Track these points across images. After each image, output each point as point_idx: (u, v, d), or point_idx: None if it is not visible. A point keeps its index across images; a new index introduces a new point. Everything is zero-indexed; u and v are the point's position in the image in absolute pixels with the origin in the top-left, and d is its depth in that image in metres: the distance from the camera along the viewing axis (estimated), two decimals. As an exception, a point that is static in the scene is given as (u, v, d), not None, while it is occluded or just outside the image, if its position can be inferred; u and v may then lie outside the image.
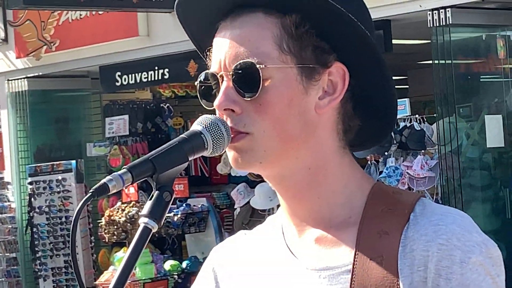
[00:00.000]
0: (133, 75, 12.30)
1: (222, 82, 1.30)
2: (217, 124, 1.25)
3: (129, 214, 11.29)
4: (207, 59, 1.40)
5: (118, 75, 12.27)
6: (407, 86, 16.75)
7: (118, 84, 12.44)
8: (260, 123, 1.29)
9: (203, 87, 1.38)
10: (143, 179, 1.19)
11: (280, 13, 1.29)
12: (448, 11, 9.80)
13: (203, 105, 1.39)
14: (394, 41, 10.75)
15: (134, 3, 11.58)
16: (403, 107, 9.76)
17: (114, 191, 1.16)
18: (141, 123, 13.38)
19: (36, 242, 12.88)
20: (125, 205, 11.55)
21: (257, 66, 1.26)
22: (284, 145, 1.31)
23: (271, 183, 1.42)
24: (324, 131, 1.33)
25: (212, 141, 1.24)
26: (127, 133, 12.82)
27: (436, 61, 10.21)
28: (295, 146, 1.32)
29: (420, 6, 9.90)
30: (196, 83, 1.41)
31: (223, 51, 1.31)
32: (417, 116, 10.65)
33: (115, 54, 12.47)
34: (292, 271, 1.36)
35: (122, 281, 1.15)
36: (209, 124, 1.25)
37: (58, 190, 12.67)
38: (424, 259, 1.23)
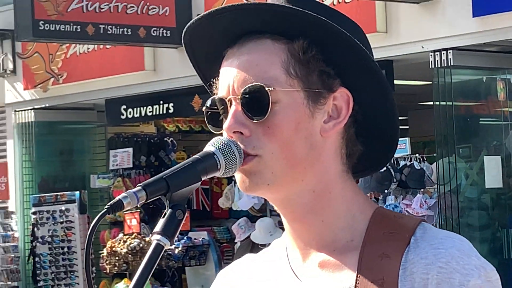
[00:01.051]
0: (138, 108, 12.41)
1: (230, 106, 1.32)
2: (230, 145, 1.26)
3: (131, 245, 11.34)
4: (214, 87, 1.40)
5: (124, 109, 12.41)
6: (408, 126, 16.73)
7: (123, 117, 12.54)
8: (268, 145, 1.30)
9: (209, 112, 1.38)
10: (157, 197, 1.18)
11: (287, 39, 1.31)
12: (449, 52, 9.99)
13: (211, 130, 1.39)
14: (396, 82, 10.84)
15: (141, 38, 11.82)
16: (404, 146, 9.89)
17: (128, 208, 1.17)
18: (145, 156, 13.58)
19: (38, 272, 12.93)
20: (127, 236, 11.66)
21: (266, 89, 1.28)
22: (291, 167, 1.32)
23: (276, 207, 1.41)
24: (329, 155, 1.35)
25: (225, 162, 1.26)
26: (131, 165, 12.91)
27: (437, 102, 10.38)
28: (301, 169, 1.33)
29: (422, 47, 10.05)
30: (203, 108, 1.40)
31: (231, 76, 1.33)
32: (417, 155, 10.72)
33: (121, 88, 12.61)
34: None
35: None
36: (222, 145, 1.27)
37: (61, 220, 12.71)
38: (424, 281, 1.24)
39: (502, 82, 10.42)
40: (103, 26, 11.67)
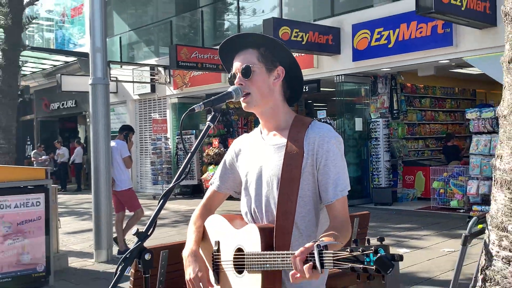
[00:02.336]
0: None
1: (237, 75, 1.80)
2: (237, 88, 1.77)
3: (215, 151, 13.90)
4: (231, 69, 1.85)
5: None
6: (326, 108, 16.83)
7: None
8: (252, 88, 1.76)
9: (230, 78, 1.85)
10: (208, 107, 1.69)
11: (257, 48, 1.80)
12: (341, 76, 11.96)
13: (230, 85, 1.84)
14: (321, 89, 12.78)
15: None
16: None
17: (198, 110, 1.68)
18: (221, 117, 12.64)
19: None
20: (213, 149, 14.07)
21: (250, 66, 1.77)
22: (262, 98, 1.78)
23: (258, 115, 1.86)
24: (276, 93, 1.81)
25: (235, 94, 1.75)
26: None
27: (335, 98, 12.12)
28: (266, 99, 1.79)
29: (332, 74, 11.79)
30: (228, 77, 1.85)
31: (238, 64, 1.81)
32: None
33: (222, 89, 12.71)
34: (263, 146, 1.86)
35: (196, 146, 1.68)
36: (234, 88, 1.77)
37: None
38: (313, 140, 1.73)
39: (364, 89, 12.72)
40: (214, 65, 13.41)
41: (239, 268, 1.70)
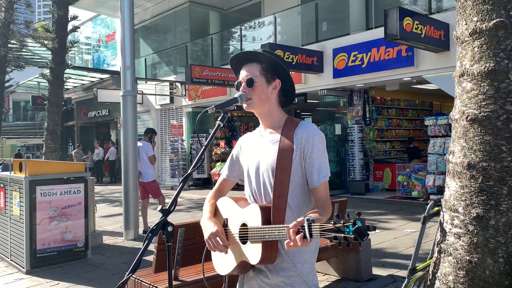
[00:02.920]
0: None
1: (242, 84, 1.79)
2: (242, 95, 1.76)
3: (222, 150, 13.97)
4: (238, 78, 1.83)
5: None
6: (311, 116, 17.03)
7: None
8: (253, 96, 1.77)
9: (236, 86, 1.81)
10: (218, 110, 1.71)
11: (260, 63, 1.79)
12: (324, 91, 11.65)
13: (236, 89, 1.81)
14: (308, 100, 12.64)
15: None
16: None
17: (209, 112, 1.70)
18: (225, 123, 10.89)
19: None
20: (220, 149, 14.09)
21: (253, 78, 1.75)
22: (260, 102, 1.78)
23: (257, 115, 1.85)
24: (273, 100, 1.80)
25: (240, 99, 1.74)
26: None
27: (319, 108, 11.76)
28: (264, 104, 1.79)
29: (317, 88, 11.73)
30: (235, 83, 1.81)
31: (243, 74, 1.80)
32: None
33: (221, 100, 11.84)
34: (261, 142, 1.84)
35: (209, 140, 1.64)
36: (239, 95, 1.77)
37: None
38: (301, 136, 1.72)
39: (342, 101, 12.25)
40: (222, 81, 13.20)
41: (244, 239, 1.70)
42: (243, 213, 1.72)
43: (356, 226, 1.27)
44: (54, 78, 11.57)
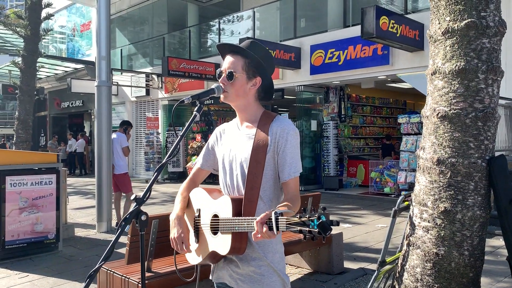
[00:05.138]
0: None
1: (223, 75, 1.76)
2: (219, 86, 1.74)
3: (197, 144, 13.87)
4: (222, 63, 1.80)
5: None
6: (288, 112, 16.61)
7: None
8: (231, 89, 1.76)
9: (218, 74, 1.79)
10: (194, 100, 1.68)
11: (244, 57, 1.76)
12: (301, 87, 11.64)
13: (217, 78, 1.80)
14: (285, 96, 12.36)
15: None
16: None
17: (186, 102, 1.70)
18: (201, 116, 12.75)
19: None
20: (196, 143, 14.03)
21: (233, 72, 1.73)
22: (237, 97, 1.77)
23: (234, 108, 1.83)
24: (250, 95, 1.79)
25: (217, 91, 1.73)
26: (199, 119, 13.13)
27: (296, 104, 11.88)
28: (240, 98, 1.79)
29: (294, 84, 11.74)
30: (217, 71, 1.81)
31: (226, 64, 1.77)
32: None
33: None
34: (238, 135, 1.83)
35: (185, 129, 1.68)
36: (217, 86, 1.75)
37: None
38: (276, 131, 1.73)
39: (319, 98, 12.24)
40: (199, 75, 12.91)
41: (215, 230, 1.70)
42: (215, 204, 1.73)
43: (320, 220, 1.29)
44: (26, 67, 11.33)
